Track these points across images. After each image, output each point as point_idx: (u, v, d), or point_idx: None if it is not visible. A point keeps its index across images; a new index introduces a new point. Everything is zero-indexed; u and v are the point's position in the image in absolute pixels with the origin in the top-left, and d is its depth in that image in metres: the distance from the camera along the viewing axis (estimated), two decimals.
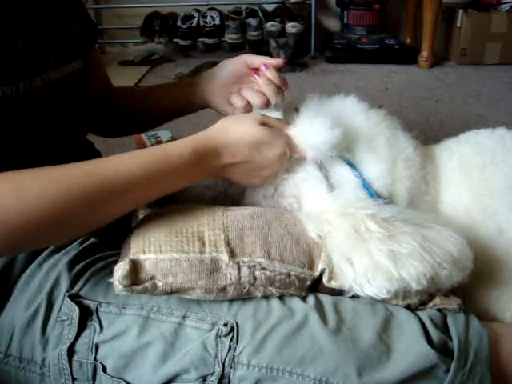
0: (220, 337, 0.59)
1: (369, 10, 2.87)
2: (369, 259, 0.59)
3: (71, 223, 0.57)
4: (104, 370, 0.60)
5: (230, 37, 2.95)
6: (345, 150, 0.72)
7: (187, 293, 0.60)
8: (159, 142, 1.68)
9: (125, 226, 0.71)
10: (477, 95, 2.28)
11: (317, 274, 0.63)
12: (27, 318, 0.63)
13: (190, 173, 0.65)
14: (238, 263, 0.60)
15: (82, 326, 0.61)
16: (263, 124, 0.68)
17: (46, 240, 0.59)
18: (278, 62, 0.82)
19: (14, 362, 0.62)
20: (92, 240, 0.71)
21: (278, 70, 0.81)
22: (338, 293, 0.63)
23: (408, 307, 0.63)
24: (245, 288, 0.61)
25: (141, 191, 0.61)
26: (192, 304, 0.62)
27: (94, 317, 0.62)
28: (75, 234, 0.63)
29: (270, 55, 2.65)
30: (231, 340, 0.59)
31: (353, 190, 0.69)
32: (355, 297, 0.62)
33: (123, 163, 0.60)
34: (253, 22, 2.94)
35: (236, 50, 3.03)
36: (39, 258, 0.67)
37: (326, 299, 0.63)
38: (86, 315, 0.62)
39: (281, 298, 0.63)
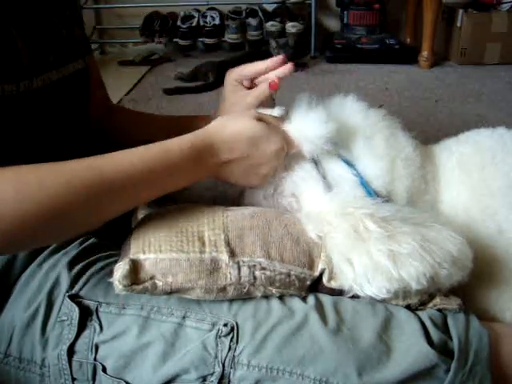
0: (220, 337, 0.59)
1: (369, 9, 2.87)
2: (368, 259, 0.59)
3: (71, 218, 0.56)
4: (104, 370, 0.60)
5: (230, 37, 2.96)
6: (342, 148, 0.72)
7: (187, 293, 0.60)
8: None
9: (125, 225, 0.71)
10: (477, 95, 2.28)
11: (317, 273, 0.63)
12: (27, 318, 0.62)
13: (190, 169, 0.64)
14: (238, 263, 0.60)
15: (81, 326, 0.61)
16: (260, 120, 0.68)
17: (45, 236, 0.58)
18: (280, 70, 0.80)
19: (14, 362, 0.62)
20: (92, 240, 0.71)
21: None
22: (338, 293, 0.63)
23: (408, 307, 0.63)
24: (245, 288, 0.61)
25: (142, 186, 0.61)
26: (192, 304, 0.62)
27: (94, 317, 0.62)
28: (75, 230, 0.61)
29: (270, 55, 2.64)
30: (231, 340, 0.59)
31: (351, 188, 0.69)
32: (355, 297, 0.62)
33: (124, 157, 0.60)
34: (253, 21, 2.94)
35: (236, 49, 3.04)
36: (39, 258, 0.67)
37: (326, 299, 0.63)
38: (86, 315, 0.62)
39: (281, 298, 0.63)
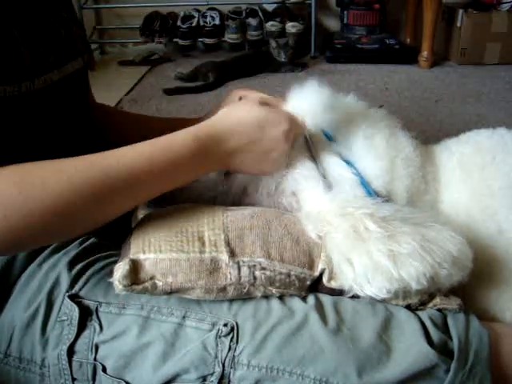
0: (220, 337, 0.59)
1: (369, 9, 2.86)
2: (368, 259, 0.59)
3: (74, 215, 0.56)
4: (104, 370, 0.61)
5: (230, 37, 2.95)
6: (342, 148, 0.72)
7: (187, 293, 0.60)
8: None
9: (125, 225, 0.71)
10: (477, 95, 2.28)
11: (317, 273, 0.63)
12: (27, 318, 0.62)
13: (196, 162, 0.64)
14: (238, 263, 0.60)
15: (81, 326, 0.61)
16: (264, 104, 0.68)
17: (48, 235, 0.58)
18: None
19: (14, 362, 0.62)
20: (92, 240, 0.71)
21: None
22: (338, 293, 0.63)
23: (408, 307, 0.63)
24: (245, 288, 0.61)
25: (146, 181, 0.60)
26: (192, 304, 0.62)
27: (94, 317, 0.62)
28: (78, 228, 0.60)
29: (270, 55, 2.65)
30: (231, 340, 0.59)
31: (351, 187, 0.69)
32: (355, 297, 0.62)
33: (127, 153, 0.60)
34: (253, 21, 2.94)
35: (236, 49, 3.03)
36: (39, 258, 0.67)
37: (326, 299, 0.63)
38: (86, 315, 0.62)
39: (281, 298, 0.63)
